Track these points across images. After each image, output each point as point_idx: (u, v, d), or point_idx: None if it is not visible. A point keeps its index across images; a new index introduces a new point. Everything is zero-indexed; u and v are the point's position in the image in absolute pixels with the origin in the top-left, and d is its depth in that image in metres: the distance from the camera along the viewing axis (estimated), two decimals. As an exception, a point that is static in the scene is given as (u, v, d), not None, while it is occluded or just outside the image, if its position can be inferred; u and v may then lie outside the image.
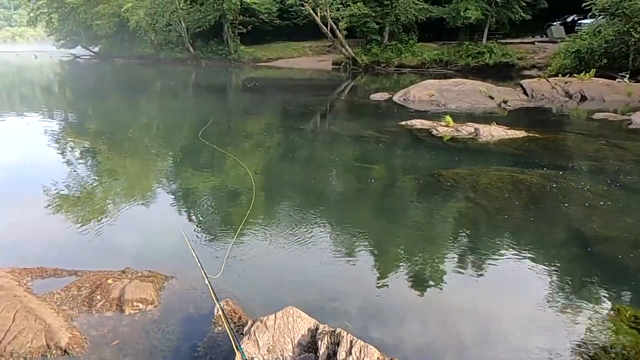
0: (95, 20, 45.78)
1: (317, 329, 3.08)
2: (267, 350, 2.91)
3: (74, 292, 3.80)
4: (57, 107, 17.19)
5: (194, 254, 4.13)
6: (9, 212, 5.82)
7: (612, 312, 3.72)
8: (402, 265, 4.54)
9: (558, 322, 3.62)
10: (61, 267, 4.24)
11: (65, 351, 3.08)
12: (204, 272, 3.73)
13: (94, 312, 3.56)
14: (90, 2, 45.42)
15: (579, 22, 26.46)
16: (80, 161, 8.57)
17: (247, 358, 2.73)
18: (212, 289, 3.49)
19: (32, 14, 53.57)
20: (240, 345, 2.79)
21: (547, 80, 17.30)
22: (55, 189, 6.68)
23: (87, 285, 3.89)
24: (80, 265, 4.28)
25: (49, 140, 10.27)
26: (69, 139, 10.58)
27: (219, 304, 3.28)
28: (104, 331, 3.36)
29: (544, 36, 29.57)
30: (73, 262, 4.32)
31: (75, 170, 7.76)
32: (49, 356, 3.05)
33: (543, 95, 16.12)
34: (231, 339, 2.84)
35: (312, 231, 5.31)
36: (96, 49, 55.72)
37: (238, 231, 5.16)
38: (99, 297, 3.70)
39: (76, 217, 5.67)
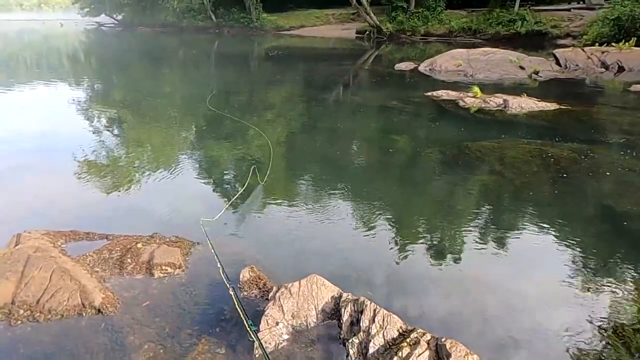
0: (118, -13, 45.66)
1: (340, 296, 3.13)
2: (292, 316, 2.98)
3: (105, 255, 3.95)
4: (83, 75, 17.42)
5: (201, 226, 4.27)
6: (40, 178, 6.04)
7: (639, 289, 3.64)
8: (425, 237, 4.52)
9: (582, 297, 3.57)
10: (93, 231, 4.40)
11: (99, 310, 3.23)
12: (211, 244, 3.86)
13: (125, 275, 3.70)
14: (113, -32, 45.20)
15: (621, -13, 24.82)
16: (106, 129, 8.74)
17: (255, 329, 2.81)
18: (219, 262, 3.57)
19: (56, -18, 53.70)
20: (250, 321, 2.87)
21: (583, 50, 16.43)
22: (84, 156, 6.86)
23: (118, 248, 4.04)
24: (111, 229, 4.43)
25: (76, 109, 10.47)
26: (95, 107, 10.75)
27: (231, 287, 3.35)
28: (135, 293, 3.50)
29: (581, 2, 27.92)
30: (104, 227, 4.48)
31: (101, 138, 7.94)
32: (84, 314, 3.21)
33: (577, 65, 15.38)
34: (241, 315, 2.93)
35: (333, 201, 5.32)
36: (119, 17, 55.79)
37: (260, 199, 5.22)
38: (129, 260, 3.84)
39: (105, 183, 5.84)
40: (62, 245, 4.10)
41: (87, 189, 5.63)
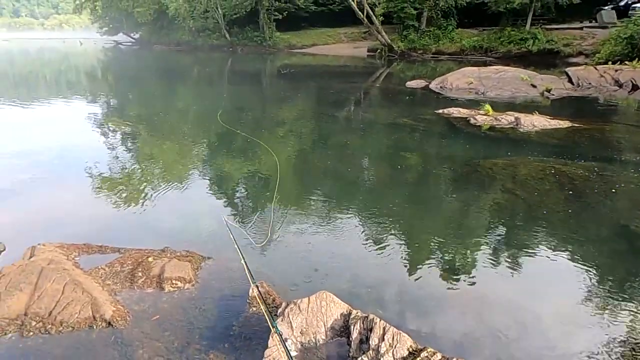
0: (136, 7, 47.03)
1: (349, 314, 3.10)
2: (301, 332, 2.96)
3: (117, 268, 3.99)
4: (101, 92, 17.86)
5: (232, 237, 4.22)
6: (56, 192, 6.15)
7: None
8: (436, 256, 4.48)
9: (598, 319, 3.49)
10: (105, 244, 4.46)
11: (109, 323, 3.25)
12: (242, 254, 3.79)
13: (135, 288, 3.73)
14: (132, -11, 46.66)
15: (633, 6, 24.83)
16: (121, 144, 8.91)
17: (280, 332, 2.79)
18: (248, 269, 3.55)
19: (77, 2, 55.56)
20: (275, 324, 2.85)
21: (595, 68, 16.39)
22: (99, 170, 6.99)
23: (130, 262, 4.08)
24: (123, 243, 4.48)
25: (92, 124, 10.72)
26: (111, 122, 10.99)
27: (255, 284, 3.34)
28: (145, 306, 3.51)
29: (594, 21, 27.90)
30: (116, 240, 4.53)
31: (116, 153, 8.09)
32: (95, 327, 3.23)
33: (590, 83, 15.30)
34: (266, 317, 2.90)
35: (344, 218, 5.31)
36: (137, 36, 57.39)
37: (271, 215, 5.24)
38: (140, 274, 3.87)
39: (118, 197, 5.92)
40: (76, 258, 4.16)
41: (101, 203, 5.72)
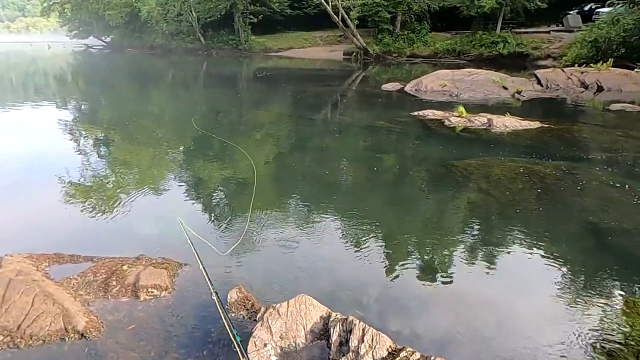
0: (107, 10, 45.97)
1: (329, 316, 3.10)
2: (280, 337, 2.94)
3: (90, 277, 3.88)
4: (71, 96, 17.35)
5: (189, 242, 4.21)
6: (25, 200, 5.93)
7: (626, 305, 3.68)
8: (413, 256, 4.53)
9: (572, 314, 3.60)
10: (77, 253, 4.32)
11: (82, 335, 3.15)
12: (200, 261, 3.77)
13: (109, 298, 3.63)
14: (102, -8, 45.63)
15: (597, 10, 25.84)
16: (92, 150, 8.67)
17: (240, 340, 2.77)
18: (207, 276, 3.54)
19: (45, 4, 53.92)
20: (236, 331, 2.84)
21: (563, 71, 16.98)
22: (69, 178, 6.78)
23: (103, 271, 3.96)
24: (96, 251, 4.35)
25: (62, 130, 10.39)
26: (81, 128, 10.69)
27: (215, 292, 3.33)
28: (120, 316, 3.42)
29: (560, 25, 28.94)
30: (89, 249, 4.40)
31: (87, 159, 7.86)
32: (67, 339, 3.13)
33: (558, 85, 15.83)
34: (226, 325, 2.89)
35: (322, 220, 5.32)
36: (108, 39, 56.06)
37: (248, 219, 5.20)
38: (114, 282, 3.77)
39: (90, 205, 5.75)
40: (46, 269, 4.01)
41: (72, 211, 5.54)
